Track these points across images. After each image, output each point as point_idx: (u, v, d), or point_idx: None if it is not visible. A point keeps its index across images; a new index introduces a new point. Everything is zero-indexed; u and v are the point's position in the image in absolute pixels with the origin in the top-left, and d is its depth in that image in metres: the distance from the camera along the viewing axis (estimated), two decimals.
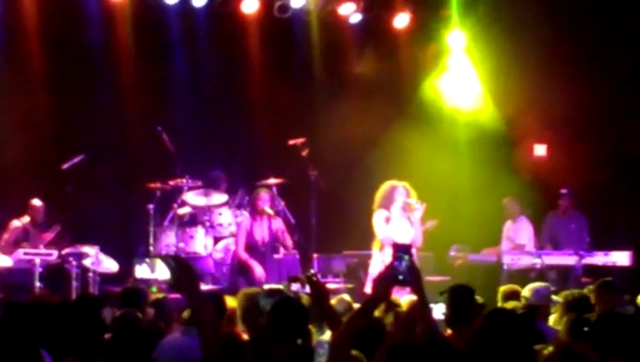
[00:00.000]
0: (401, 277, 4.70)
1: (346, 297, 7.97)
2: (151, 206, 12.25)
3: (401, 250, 4.75)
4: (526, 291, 7.51)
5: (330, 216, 12.64)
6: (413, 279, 4.77)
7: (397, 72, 14.01)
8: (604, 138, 13.30)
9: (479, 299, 6.96)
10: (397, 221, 10.38)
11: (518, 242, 12.46)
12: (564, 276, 11.50)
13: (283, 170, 12.40)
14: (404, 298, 7.45)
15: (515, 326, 4.00)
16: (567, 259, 11.71)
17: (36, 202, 12.13)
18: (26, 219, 12.06)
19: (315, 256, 12.15)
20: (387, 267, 4.80)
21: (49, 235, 12.12)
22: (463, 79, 14.00)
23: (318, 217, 12.05)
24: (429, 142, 13.30)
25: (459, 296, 6.52)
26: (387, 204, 10.50)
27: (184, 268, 4.04)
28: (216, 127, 13.98)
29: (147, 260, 11.82)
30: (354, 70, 13.93)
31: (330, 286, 11.59)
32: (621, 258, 11.66)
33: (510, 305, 7.40)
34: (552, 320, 7.18)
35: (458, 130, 13.74)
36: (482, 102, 13.87)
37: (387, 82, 13.85)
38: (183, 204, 12.45)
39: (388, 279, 4.81)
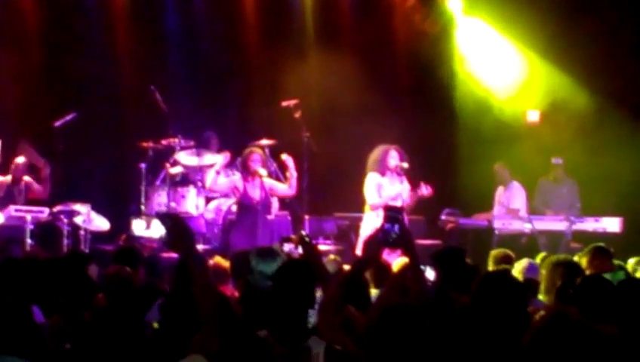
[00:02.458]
0: (392, 240, 4.72)
1: (337, 258, 8.01)
2: (143, 165, 12.25)
3: (392, 213, 4.77)
4: (516, 273, 7.53)
5: (322, 178, 12.65)
6: (404, 241, 4.80)
7: (393, 35, 13.94)
8: (593, 109, 13.27)
9: (471, 262, 6.99)
10: (388, 186, 10.40)
11: (512, 206, 12.48)
12: (554, 241, 11.54)
13: (275, 132, 12.37)
14: (395, 261, 7.46)
15: (513, 288, 4.02)
16: (558, 225, 11.76)
17: (18, 160, 12.06)
18: (9, 177, 12.00)
19: (306, 217, 12.17)
20: (378, 229, 4.82)
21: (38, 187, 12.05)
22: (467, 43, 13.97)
23: (310, 179, 12.04)
24: (424, 107, 13.30)
25: (449, 259, 6.54)
26: (379, 167, 10.50)
27: (180, 226, 4.05)
28: (210, 87, 13.93)
29: (142, 216, 11.85)
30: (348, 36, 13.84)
31: (321, 247, 11.62)
32: (611, 224, 11.70)
33: (502, 268, 7.43)
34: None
35: (453, 95, 13.69)
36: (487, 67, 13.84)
37: (383, 46, 13.78)
38: (175, 163, 12.43)
39: (379, 241, 4.83)
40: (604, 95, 13.02)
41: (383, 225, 4.75)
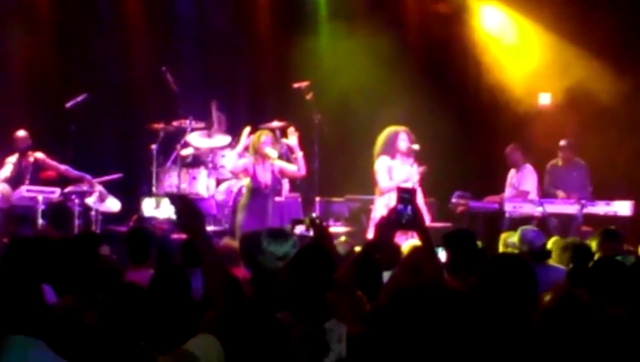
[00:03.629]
0: (405, 221, 4.72)
1: (348, 240, 8.01)
2: (154, 146, 12.26)
3: (405, 194, 4.77)
4: (515, 238, 7.53)
5: (333, 160, 12.64)
6: (417, 223, 4.80)
7: (406, 16, 13.90)
8: (608, 88, 13.22)
9: (480, 244, 6.98)
10: (399, 169, 10.38)
11: (523, 189, 12.46)
12: (565, 224, 11.52)
13: (287, 114, 12.36)
14: (405, 243, 7.46)
15: (520, 270, 4.01)
16: (569, 208, 11.72)
17: (18, 133, 12.06)
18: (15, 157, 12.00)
19: (317, 199, 12.16)
20: (391, 210, 4.82)
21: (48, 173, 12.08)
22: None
23: (320, 161, 12.03)
24: (435, 89, 13.26)
25: (459, 241, 6.54)
26: (389, 150, 10.48)
27: (189, 207, 4.05)
28: (221, 69, 13.91)
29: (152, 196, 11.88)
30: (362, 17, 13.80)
31: (332, 229, 11.62)
32: (623, 207, 11.66)
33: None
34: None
35: (465, 77, 13.66)
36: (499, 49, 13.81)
37: (396, 27, 13.73)
38: (186, 145, 12.44)
39: (391, 222, 4.83)
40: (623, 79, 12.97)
41: (395, 207, 4.75)
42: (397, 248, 6.75)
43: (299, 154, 10.68)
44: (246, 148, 10.89)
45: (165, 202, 11.52)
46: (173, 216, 4.16)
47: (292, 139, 10.66)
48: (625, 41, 13.07)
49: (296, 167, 10.87)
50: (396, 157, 10.47)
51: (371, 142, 10.74)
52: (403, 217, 4.74)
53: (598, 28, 12.88)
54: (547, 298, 4.12)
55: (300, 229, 7.82)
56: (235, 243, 7.39)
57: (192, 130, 12.38)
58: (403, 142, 10.44)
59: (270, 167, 10.83)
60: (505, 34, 13.80)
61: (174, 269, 5.72)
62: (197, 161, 12.60)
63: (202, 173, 12.21)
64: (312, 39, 13.69)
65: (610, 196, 11.90)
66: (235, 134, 12.41)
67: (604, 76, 13.01)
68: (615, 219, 11.19)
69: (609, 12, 13.05)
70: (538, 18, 13.37)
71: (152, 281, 5.48)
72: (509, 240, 7.72)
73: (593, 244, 7.23)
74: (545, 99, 13.89)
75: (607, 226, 7.72)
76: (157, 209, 11.79)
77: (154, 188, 12.19)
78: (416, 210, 4.77)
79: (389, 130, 10.56)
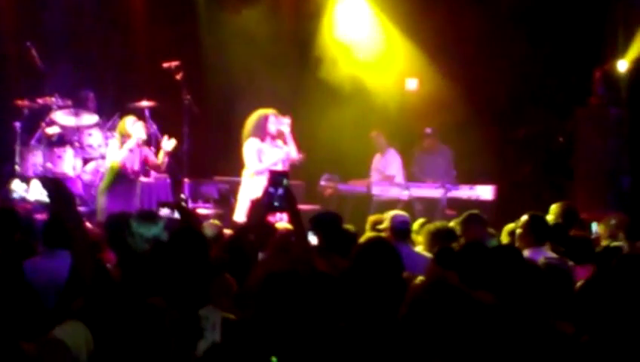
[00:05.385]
0: (276, 204, 4.75)
1: (217, 223, 7.97)
2: (18, 124, 11.92)
3: (277, 177, 4.79)
4: (386, 222, 7.69)
5: (202, 142, 12.56)
6: (288, 205, 4.83)
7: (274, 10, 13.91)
8: (471, 76, 13.57)
9: (351, 227, 7.07)
10: (269, 151, 10.35)
11: (388, 173, 12.70)
12: (430, 207, 11.78)
13: (156, 93, 12.21)
14: (276, 225, 7.49)
15: (388, 253, 4.09)
16: (434, 192, 12.00)
17: None
18: None
19: (186, 180, 12.08)
20: (263, 193, 4.84)
21: None
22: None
23: (190, 142, 11.94)
24: (306, 74, 13.32)
25: (328, 224, 6.60)
26: (259, 132, 10.44)
27: (61, 190, 3.97)
28: (89, 46, 13.62)
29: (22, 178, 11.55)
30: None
31: (201, 211, 11.58)
32: (485, 192, 12.01)
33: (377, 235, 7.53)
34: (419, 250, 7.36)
35: (336, 66, 13.74)
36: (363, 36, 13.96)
37: (269, 11, 13.72)
38: (52, 123, 12.14)
39: (263, 205, 4.85)
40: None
41: (267, 189, 4.77)
42: (271, 229, 6.75)
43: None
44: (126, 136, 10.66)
45: (35, 184, 11.21)
46: (45, 199, 4.08)
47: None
48: (489, 30, 13.42)
49: (161, 162, 10.78)
50: (266, 140, 10.44)
51: (241, 124, 10.70)
52: (275, 199, 4.77)
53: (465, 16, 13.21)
54: (418, 280, 4.21)
55: (165, 212, 7.73)
56: (97, 228, 7.27)
57: (58, 107, 12.09)
58: (273, 125, 10.39)
59: (139, 151, 10.69)
60: (365, 24, 13.99)
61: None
62: (63, 139, 12.31)
63: (68, 152, 11.95)
64: (186, 19, 13.55)
65: (473, 181, 12.23)
66: (103, 113, 12.22)
67: (468, 66, 13.37)
68: (478, 203, 11.50)
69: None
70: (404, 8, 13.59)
71: None
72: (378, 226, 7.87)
73: (457, 228, 7.41)
74: (412, 85, 14.14)
75: (471, 210, 7.89)
76: (26, 191, 11.45)
77: (17, 167, 11.87)
78: (287, 193, 4.80)
79: (259, 112, 10.50)
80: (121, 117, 10.86)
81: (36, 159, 11.90)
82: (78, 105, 12.19)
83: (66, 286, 5.15)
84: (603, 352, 4.03)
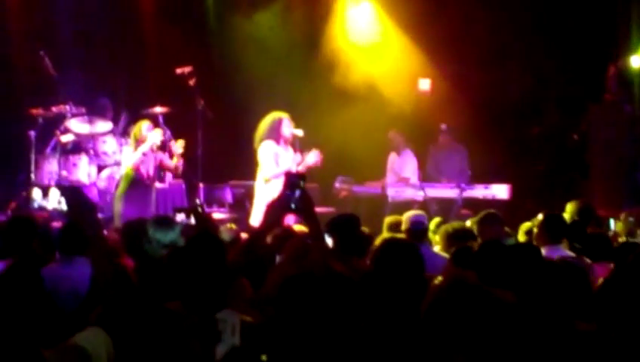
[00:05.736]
0: (293, 206, 4.74)
1: (233, 226, 7.98)
2: (32, 132, 11.96)
3: (294, 179, 4.78)
4: (404, 223, 7.71)
5: (217, 146, 12.57)
6: (305, 208, 4.82)
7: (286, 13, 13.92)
8: (485, 76, 13.55)
9: (366, 229, 7.06)
10: (284, 154, 10.35)
11: (403, 175, 12.67)
12: (445, 208, 11.76)
13: (170, 99, 12.23)
14: (292, 228, 7.48)
15: (411, 255, 4.08)
16: (449, 192, 11.99)
17: None
18: None
19: (201, 185, 12.09)
20: (280, 195, 4.83)
21: None
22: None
23: (204, 147, 11.96)
24: (318, 79, 13.32)
25: (345, 226, 6.59)
26: (274, 135, 10.44)
27: (81, 198, 3.98)
28: (102, 53, 13.66)
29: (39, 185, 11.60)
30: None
31: (216, 215, 11.59)
32: (500, 191, 11.98)
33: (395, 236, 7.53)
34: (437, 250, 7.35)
35: (348, 69, 13.74)
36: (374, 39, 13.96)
37: (280, 16, 13.74)
38: (66, 131, 12.17)
39: (280, 207, 4.85)
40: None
41: (284, 192, 4.76)
42: (289, 232, 6.75)
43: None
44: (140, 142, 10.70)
45: (53, 192, 11.26)
46: (64, 207, 4.09)
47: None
48: (501, 29, 13.41)
49: (175, 164, 10.86)
50: (280, 143, 10.44)
51: (254, 129, 10.70)
52: (292, 202, 4.76)
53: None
54: (437, 281, 4.20)
55: (180, 217, 7.76)
56: (114, 234, 7.28)
57: (72, 115, 12.12)
58: (287, 128, 10.40)
59: (154, 156, 10.73)
60: (375, 26, 14.00)
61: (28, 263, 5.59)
62: (77, 147, 12.34)
63: (83, 159, 11.99)
64: (196, 25, 13.58)
65: (488, 180, 12.21)
66: (118, 120, 12.26)
67: (482, 65, 13.35)
68: (493, 202, 11.47)
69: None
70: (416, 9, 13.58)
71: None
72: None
73: (474, 227, 7.40)
74: (424, 85, 14.12)
75: (488, 210, 7.88)
76: (44, 199, 11.49)
77: (32, 176, 11.90)
78: (304, 195, 4.79)
79: (273, 115, 10.51)
80: (129, 120, 10.90)
81: (51, 167, 11.94)
82: (94, 113, 12.23)
83: (88, 293, 5.16)
84: (623, 350, 4.01)
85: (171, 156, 11.12)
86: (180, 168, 11.01)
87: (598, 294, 4.88)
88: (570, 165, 13.10)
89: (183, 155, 10.95)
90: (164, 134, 11.75)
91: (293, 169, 10.15)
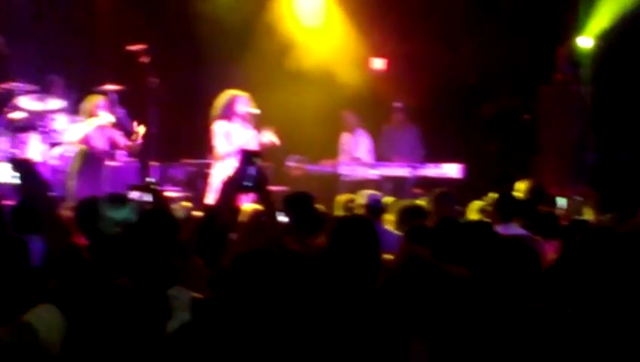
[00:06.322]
0: (247, 184, 4.75)
1: (188, 205, 7.97)
2: None
3: (249, 157, 4.79)
4: (361, 198, 7.77)
5: (170, 125, 12.50)
6: (259, 186, 4.84)
7: None
8: (438, 56, 13.62)
9: (321, 207, 7.09)
10: (237, 133, 10.31)
11: (355, 155, 12.72)
12: (398, 187, 11.84)
13: (123, 77, 12.13)
14: (244, 206, 7.48)
15: (368, 231, 4.11)
16: (402, 171, 12.06)
17: None
18: None
19: (153, 164, 12.02)
20: (235, 171, 4.83)
21: None
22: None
23: (157, 125, 11.88)
24: (273, 60, 13.28)
25: (300, 204, 6.62)
26: (228, 113, 10.39)
27: (33, 171, 3.96)
28: (55, 30, 13.49)
29: None
30: None
31: (170, 194, 11.53)
32: (452, 170, 12.07)
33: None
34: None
35: (302, 50, 13.71)
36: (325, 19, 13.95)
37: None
38: (15, 108, 12.01)
39: (234, 185, 4.85)
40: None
41: (240, 167, 4.77)
42: (237, 210, 6.75)
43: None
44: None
45: (4, 166, 11.11)
46: (16, 181, 4.06)
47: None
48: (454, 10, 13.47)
49: (131, 143, 10.79)
50: (234, 121, 10.39)
51: (208, 107, 10.66)
52: (245, 179, 4.77)
53: None
54: (391, 257, 4.24)
55: (136, 195, 7.70)
56: (67, 212, 7.22)
57: (23, 93, 11.97)
58: (242, 106, 10.36)
59: (105, 132, 10.65)
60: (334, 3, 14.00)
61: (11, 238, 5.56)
62: (29, 125, 12.18)
63: (34, 137, 11.84)
64: (152, 2, 13.47)
65: (440, 159, 12.30)
66: (70, 97, 12.13)
67: (435, 44, 13.42)
68: (445, 181, 11.55)
69: None
70: None
71: None
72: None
73: (429, 206, 7.47)
74: (378, 64, 14.15)
75: (442, 188, 7.97)
76: None
77: None
78: (259, 172, 4.80)
79: (228, 93, 10.47)
80: (80, 97, 10.82)
81: (2, 145, 11.78)
82: (45, 90, 12.09)
83: (41, 270, 5.13)
84: (573, 327, 4.08)
85: (127, 135, 11.05)
86: (137, 147, 10.94)
87: (547, 273, 4.96)
88: (521, 145, 13.23)
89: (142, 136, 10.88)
90: (119, 112, 11.67)
91: (252, 147, 10.13)
